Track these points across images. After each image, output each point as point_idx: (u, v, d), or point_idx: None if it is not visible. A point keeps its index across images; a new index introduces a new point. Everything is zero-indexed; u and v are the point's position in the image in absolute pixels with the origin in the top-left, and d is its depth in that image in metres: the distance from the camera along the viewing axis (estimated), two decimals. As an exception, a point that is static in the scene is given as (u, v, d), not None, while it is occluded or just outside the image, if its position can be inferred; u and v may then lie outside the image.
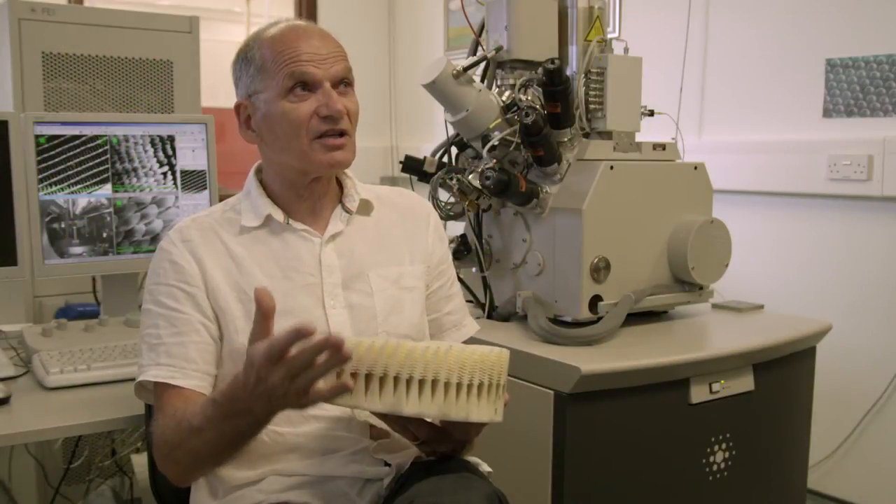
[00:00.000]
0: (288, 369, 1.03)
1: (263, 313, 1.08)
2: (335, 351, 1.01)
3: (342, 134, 1.31)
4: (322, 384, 1.04)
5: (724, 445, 1.72)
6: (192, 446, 1.17)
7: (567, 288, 1.75)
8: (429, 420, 1.21)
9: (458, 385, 1.06)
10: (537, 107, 1.76)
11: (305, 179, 1.35)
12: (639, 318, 1.84)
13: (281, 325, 1.28)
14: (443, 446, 1.24)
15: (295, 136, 1.29)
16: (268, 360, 1.04)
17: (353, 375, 1.05)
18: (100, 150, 1.87)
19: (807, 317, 1.97)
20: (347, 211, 1.40)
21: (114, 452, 2.28)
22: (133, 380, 1.31)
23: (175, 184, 1.95)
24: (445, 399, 1.06)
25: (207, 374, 1.28)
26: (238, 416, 1.11)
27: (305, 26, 1.33)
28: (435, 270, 1.45)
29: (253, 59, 1.31)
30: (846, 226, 2.61)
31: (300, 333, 1.02)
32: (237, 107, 1.36)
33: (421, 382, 1.05)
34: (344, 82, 1.32)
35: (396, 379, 1.05)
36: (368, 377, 1.05)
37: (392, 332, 1.33)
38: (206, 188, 1.98)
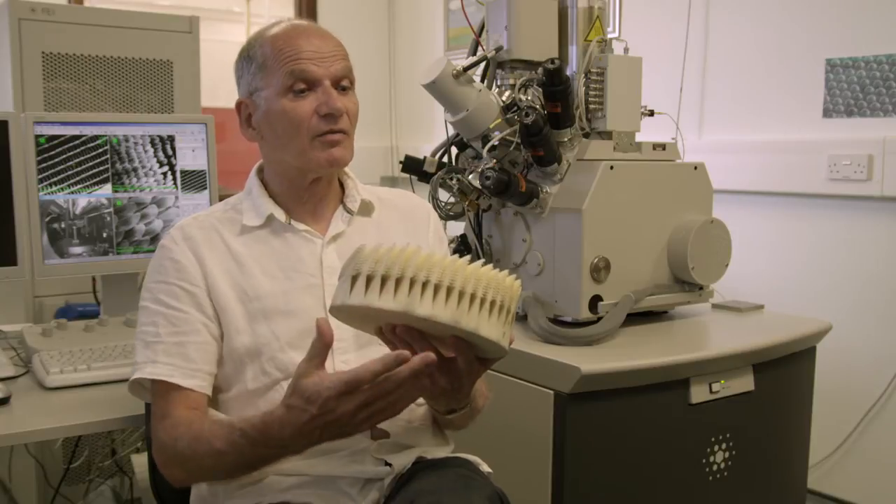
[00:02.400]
0: (366, 398, 1.04)
1: (324, 345, 1.07)
2: (428, 367, 1.03)
3: (341, 132, 1.31)
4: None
5: (724, 445, 1.72)
6: (207, 464, 1.17)
7: (567, 288, 1.74)
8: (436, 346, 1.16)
9: (472, 296, 1.06)
10: (537, 107, 1.76)
11: (305, 180, 1.35)
12: (639, 318, 1.84)
13: (281, 327, 1.29)
14: (444, 380, 1.15)
15: (295, 135, 1.29)
16: (344, 393, 1.04)
17: (370, 276, 1.05)
18: (100, 150, 1.87)
19: (807, 317, 1.97)
20: (349, 211, 1.40)
21: (114, 452, 2.28)
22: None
23: (175, 184, 1.95)
24: (458, 307, 1.05)
25: (209, 374, 1.28)
26: (268, 448, 1.12)
27: (307, 25, 1.34)
28: (435, 272, 1.45)
29: (255, 57, 1.32)
30: (846, 226, 2.61)
31: (398, 360, 1.03)
32: (238, 105, 1.36)
33: (437, 287, 1.04)
34: (344, 82, 1.32)
35: (413, 281, 1.04)
36: (385, 278, 1.05)
37: None
38: (206, 188, 1.99)
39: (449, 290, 1.04)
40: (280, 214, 1.35)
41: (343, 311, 1.11)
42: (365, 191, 1.43)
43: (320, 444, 1.11)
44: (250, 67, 1.33)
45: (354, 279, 1.06)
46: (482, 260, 1.11)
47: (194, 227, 1.35)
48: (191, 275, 1.29)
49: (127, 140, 1.89)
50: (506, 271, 1.12)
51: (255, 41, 1.34)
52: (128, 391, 1.31)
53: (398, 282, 1.04)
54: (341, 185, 1.43)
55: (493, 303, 1.07)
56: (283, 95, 1.29)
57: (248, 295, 1.29)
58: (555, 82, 1.70)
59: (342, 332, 1.25)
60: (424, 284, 1.04)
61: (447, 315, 1.04)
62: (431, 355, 1.04)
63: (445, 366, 1.14)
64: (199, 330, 1.27)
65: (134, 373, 1.28)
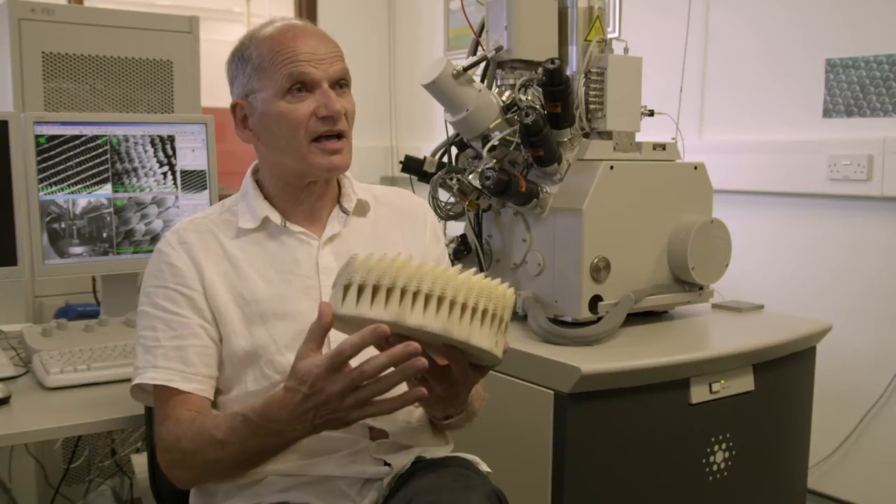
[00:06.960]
0: (352, 380, 1.04)
1: (322, 327, 1.07)
2: (411, 359, 1.02)
3: (340, 136, 1.30)
4: (389, 395, 1.04)
5: (724, 445, 1.72)
6: (210, 457, 1.17)
7: (567, 288, 1.74)
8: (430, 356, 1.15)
9: (464, 306, 1.06)
10: (537, 107, 1.76)
11: (303, 182, 1.34)
12: (639, 318, 1.84)
13: (279, 329, 1.28)
14: (439, 387, 1.15)
15: (293, 137, 1.29)
16: (330, 368, 1.04)
17: (362, 285, 1.06)
18: (100, 150, 1.87)
19: (807, 317, 1.97)
20: (345, 212, 1.39)
21: (114, 452, 2.28)
22: (130, 380, 1.31)
23: (175, 184, 1.95)
24: (450, 317, 1.05)
25: (209, 377, 1.27)
26: (267, 436, 1.12)
27: (302, 25, 1.33)
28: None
29: (250, 58, 1.31)
30: (846, 226, 2.61)
31: (377, 334, 1.02)
32: (233, 106, 1.35)
33: (427, 297, 1.05)
34: (341, 82, 1.32)
35: (404, 291, 1.05)
36: (376, 288, 1.05)
37: None
38: (206, 188, 1.99)
39: (440, 300, 1.05)
40: (275, 217, 1.35)
41: (336, 320, 1.11)
42: (361, 190, 1.43)
43: (317, 431, 1.11)
44: (245, 69, 1.32)
45: (347, 288, 1.06)
46: (475, 269, 1.11)
47: (190, 230, 1.34)
48: (188, 279, 1.29)
49: (127, 140, 1.89)
50: (498, 280, 1.12)
51: (248, 42, 1.33)
52: (129, 394, 1.31)
53: (389, 291, 1.05)
54: (338, 184, 1.43)
55: (485, 311, 1.08)
56: (280, 97, 1.28)
57: (244, 298, 1.29)
58: (555, 82, 1.70)
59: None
60: (415, 294, 1.04)
61: (437, 325, 1.05)
62: (414, 344, 1.03)
63: (440, 374, 1.14)
64: (197, 333, 1.27)
65: (135, 377, 1.28)
